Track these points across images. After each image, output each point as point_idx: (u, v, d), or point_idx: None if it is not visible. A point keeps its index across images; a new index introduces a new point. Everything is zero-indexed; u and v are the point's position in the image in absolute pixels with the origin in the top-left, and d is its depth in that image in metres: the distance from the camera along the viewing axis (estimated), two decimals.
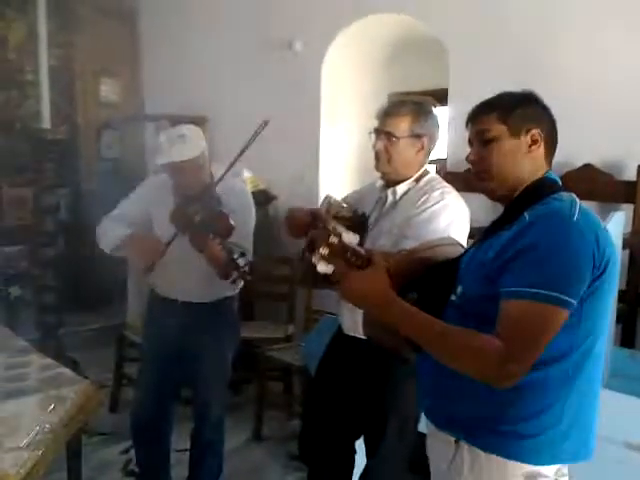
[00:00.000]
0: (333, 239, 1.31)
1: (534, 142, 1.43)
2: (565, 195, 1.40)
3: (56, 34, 4.91)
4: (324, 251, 1.31)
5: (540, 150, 1.45)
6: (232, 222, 2.38)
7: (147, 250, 2.51)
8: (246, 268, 2.27)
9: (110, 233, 2.55)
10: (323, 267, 1.33)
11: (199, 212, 2.40)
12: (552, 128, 1.48)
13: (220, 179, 2.47)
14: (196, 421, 2.68)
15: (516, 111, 1.43)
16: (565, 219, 1.31)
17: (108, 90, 5.60)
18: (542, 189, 1.42)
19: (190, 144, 2.43)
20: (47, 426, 2.09)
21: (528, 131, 1.43)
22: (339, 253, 1.33)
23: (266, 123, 2.37)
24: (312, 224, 1.99)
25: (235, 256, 2.26)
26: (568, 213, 1.32)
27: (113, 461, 3.10)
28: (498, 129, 1.43)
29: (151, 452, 2.72)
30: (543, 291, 1.26)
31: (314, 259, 1.32)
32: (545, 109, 1.49)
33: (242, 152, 2.43)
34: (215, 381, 2.64)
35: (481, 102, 1.50)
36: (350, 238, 1.34)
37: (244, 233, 2.51)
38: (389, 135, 2.08)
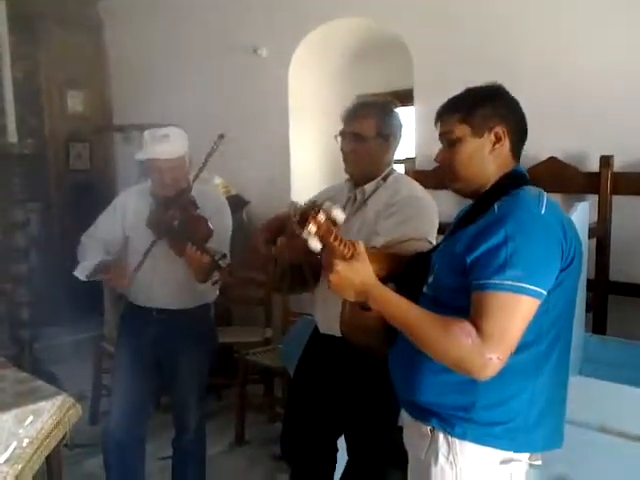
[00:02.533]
0: (321, 216, 1.33)
1: (498, 140, 1.46)
2: (532, 188, 1.44)
3: (20, 47, 4.87)
4: (312, 228, 1.32)
5: (505, 146, 1.48)
6: (211, 226, 2.39)
7: (115, 281, 2.52)
8: (227, 269, 2.29)
9: (84, 261, 2.57)
10: (314, 243, 1.34)
11: (176, 217, 2.41)
12: (520, 122, 1.51)
13: (191, 183, 2.48)
14: (176, 428, 2.68)
15: (479, 110, 1.46)
16: (533, 212, 1.35)
17: (75, 102, 5.55)
18: (510, 183, 1.46)
19: (173, 144, 2.45)
20: (26, 440, 2.08)
21: (491, 129, 1.46)
22: (325, 232, 1.34)
23: (222, 136, 2.39)
24: (279, 233, 2.02)
25: (217, 257, 2.28)
26: (535, 206, 1.36)
27: (95, 473, 3.07)
28: (461, 130, 1.47)
29: (124, 474, 2.67)
30: (515, 283, 1.29)
31: (304, 234, 1.33)
32: (511, 103, 1.51)
33: (201, 169, 2.45)
34: (193, 389, 2.64)
35: (446, 101, 1.53)
36: (339, 214, 1.35)
37: (222, 238, 2.52)
38: (357, 136, 2.10)
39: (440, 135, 1.52)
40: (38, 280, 4.42)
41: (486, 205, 1.42)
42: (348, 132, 2.13)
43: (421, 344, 1.37)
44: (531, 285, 1.30)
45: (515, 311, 1.30)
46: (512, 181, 1.46)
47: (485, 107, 1.46)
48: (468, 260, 1.36)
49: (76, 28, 5.45)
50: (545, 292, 1.32)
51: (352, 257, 1.39)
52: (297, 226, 1.36)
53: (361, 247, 1.42)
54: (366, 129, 2.10)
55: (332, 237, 1.36)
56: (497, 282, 1.30)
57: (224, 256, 2.31)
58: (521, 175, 1.50)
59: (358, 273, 1.39)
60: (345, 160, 2.17)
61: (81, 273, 2.57)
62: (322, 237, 1.35)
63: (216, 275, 2.32)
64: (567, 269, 1.37)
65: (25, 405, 2.16)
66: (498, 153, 1.47)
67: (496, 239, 1.32)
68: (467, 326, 1.30)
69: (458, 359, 1.31)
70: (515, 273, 1.29)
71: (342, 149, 2.16)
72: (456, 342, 1.30)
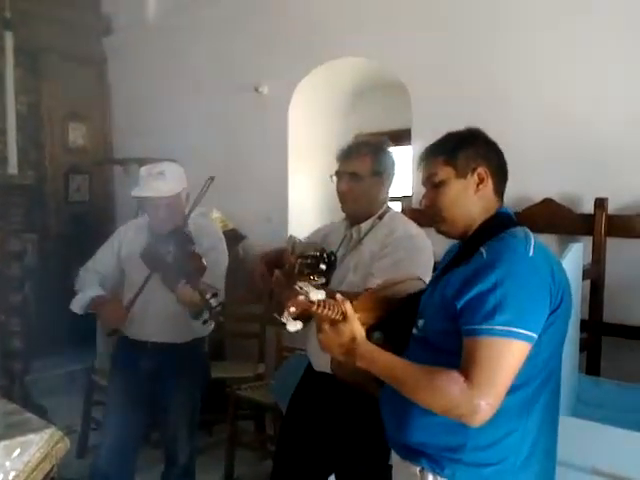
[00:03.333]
0: (302, 298, 1.35)
1: (481, 180, 1.48)
2: (519, 230, 1.45)
3: (23, 80, 4.95)
4: (293, 310, 1.34)
5: (488, 187, 1.50)
6: (204, 262, 2.39)
7: (109, 316, 2.53)
8: (218, 308, 2.28)
9: (81, 294, 2.59)
10: (292, 327, 1.37)
11: (171, 252, 2.41)
12: (500, 162, 1.53)
13: (187, 218, 2.49)
14: (166, 463, 2.65)
15: (461, 152, 1.48)
16: (521, 255, 1.36)
17: (76, 135, 5.62)
18: (497, 224, 1.47)
19: (168, 182, 2.46)
20: (12, 473, 2.05)
21: (474, 170, 1.48)
22: (306, 307, 1.36)
23: (212, 179, 2.42)
24: (276, 266, 2.04)
25: (208, 296, 2.27)
26: (523, 249, 1.37)
27: None
28: (445, 172, 1.49)
29: None
30: (506, 327, 1.30)
31: (283, 319, 1.35)
32: (490, 144, 1.54)
33: (191, 209, 2.49)
34: (183, 423, 2.62)
35: (428, 146, 1.56)
36: (317, 295, 1.36)
37: (217, 274, 2.52)
38: (353, 175, 2.12)
39: (425, 178, 1.54)
40: (31, 311, 4.40)
41: (473, 248, 1.43)
42: (344, 172, 2.15)
43: (410, 396, 1.37)
44: (521, 329, 1.30)
45: (505, 356, 1.30)
46: (498, 223, 1.47)
47: (467, 149, 1.49)
48: (458, 305, 1.36)
49: (80, 62, 5.54)
50: (536, 335, 1.32)
51: (340, 319, 1.42)
52: (279, 313, 1.38)
53: (346, 307, 1.43)
54: (361, 168, 2.12)
55: (314, 307, 1.38)
56: (487, 327, 1.30)
57: (215, 295, 2.31)
58: (507, 216, 1.51)
59: (344, 334, 1.42)
60: (341, 200, 2.19)
61: (76, 306, 2.58)
62: (304, 311, 1.37)
63: (206, 314, 2.32)
64: (556, 311, 1.37)
65: (13, 437, 2.13)
66: (482, 194, 1.49)
67: (485, 285, 1.32)
68: (454, 374, 1.30)
69: (447, 408, 1.31)
70: (505, 318, 1.30)
71: (338, 189, 2.17)
72: (443, 391, 1.30)
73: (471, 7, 3.49)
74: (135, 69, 5.41)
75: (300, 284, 1.38)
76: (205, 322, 2.33)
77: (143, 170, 2.51)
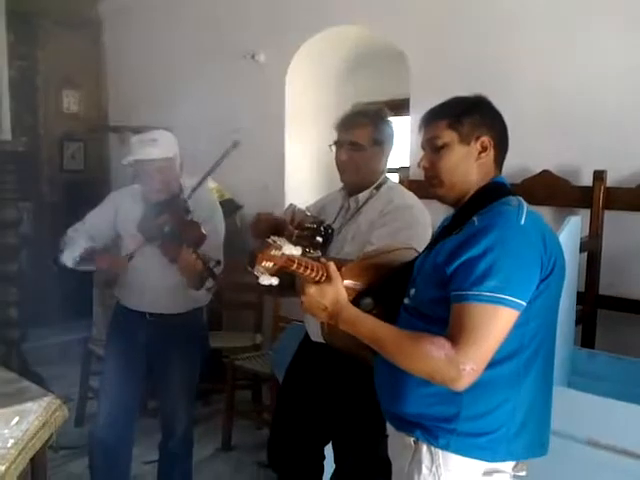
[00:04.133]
0: (276, 252, 1.33)
1: (484, 149, 1.47)
2: (512, 199, 1.44)
3: (17, 46, 4.86)
4: (267, 264, 1.32)
5: (490, 156, 1.48)
6: (204, 231, 2.38)
7: (111, 263, 2.49)
8: (221, 276, 2.27)
9: (71, 247, 2.52)
10: (266, 280, 1.34)
11: (168, 221, 2.39)
12: (503, 133, 1.51)
13: (193, 190, 2.46)
14: (163, 433, 2.66)
15: (466, 118, 1.46)
16: (512, 223, 1.36)
17: (71, 101, 5.55)
18: (490, 193, 1.46)
19: (160, 147, 2.42)
20: (11, 441, 2.06)
21: (478, 138, 1.46)
22: (284, 264, 1.34)
23: (236, 144, 2.38)
24: (276, 231, 2.01)
25: (211, 265, 2.26)
26: (515, 217, 1.36)
27: (80, 475, 3.05)
28: (449, 136, 1.47)
29: (110, 477, 2.64)
30: (494, 294, 1.30)
31: (255, 272, 1.33)
32: (496, 114, 1.52)
33: (210, 171, 2.44)
34: (182, 394, 2.62)
35: (432, 108, 1.53)
36: (291, 250, 1.34)
37: (215, 244, 2.50)
38: (354, 145, 2.10)
39: (426, 140, 1.52)
40: (28, 280, 4.40)
41: (466, 216, 1.42)
42: (344, 141, 2.12)
43: (394, 361, 1.38)
44: (509, 296, 1.30)
45: (492, 322, 1.30)
46: (492, 192, 1.46)
47: (473, 115, 1.47)
48: (448, 271, 1.36)
49: (74, 28, 5.44)
50: (524, 303, 1.32)
51: (323, 280, 1.41)
52: (249, 266, 1.36)
53: (332, 269, 1.43)
54: (362, 137, 2.10)
55: (295, 265, 1.37)
56: (475, 293, 1.30)
57: (218, 263, 2.30)
58: (501, 185, 1.50)
59: (327, 296, 1.42)
60: (341, 169, 2.17)
61: (68, 259, 2.51)
62: (283, 267, 1.35)
63: (210, 282, 2.31)
64: (547, 279, 1.37)
65: (11, 405, 2.15)
66: (483, 162, 1.48)
67: (476, 251, 1.32)
68: (439, 339, 1.31)
69: (432, 371, 1.32)
70: (493, 284, 1.30)
71: (338, 158, 2.15)
72: (428, 355, 1.30)
73: None
74: (130, 35, 5.32)
75: (274, 238, 1.36)
76: (209, 290, 2.33)
77: (135, 138, 2.49)
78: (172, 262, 2.35)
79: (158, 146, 2.42)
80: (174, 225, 2.37)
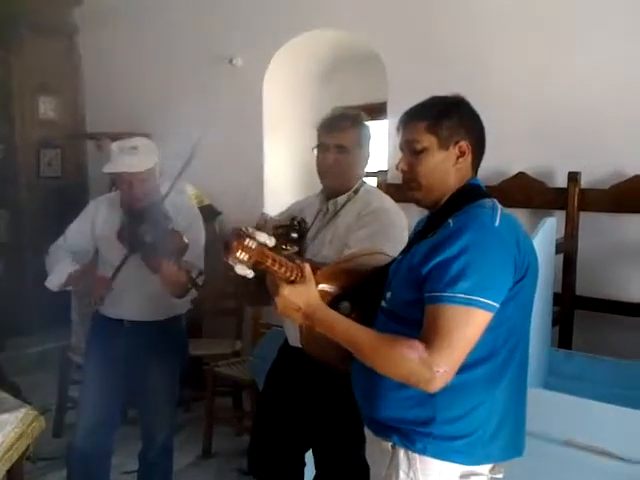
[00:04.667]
0: (250, 242, 1.31)
1: (462, 154, 1.47)
2: (487, 201, 1.44)
3: None
4: (242, 255, 1.30)
5: (467, 160, 1.48)
6: (185, 240, 2.36)
7: (95, 286, 2.47)
8: (203, 287, 2.26)
9: (55, 271, 2.52)
10: (241, 270, 1.31)
11: (149, 231, 2.36)
12: (480, 136, 1.51)
13: (166, 195, 2.45)
14: (144, 442, 2.64)
15: (446, 121, 1.45)
16: (486, 225, 1.36)
17: (47, 108, 5.49)
18: (466, 196, 1.46)
19: (141, 157, 2.40)
20: None
21: (457, 143, 1.46)
22: (260, 257, 1.33)
23: (200, 140, 2.37)
24: None
25: (194, 275, 2.24)
26: (489, 219, 1.37)
27: None
28: (428, 140, 1.46)
29: None
30: (467, 295, 1.30)
31: (230, 261, 1.31)
32: (474, 116, 1.51)
33: (181, 172, 2.43)
34: (162, 402, 2.60)
35: (412, 107, 1.52)
36: (264, 238, 1.32)
37: (196, 252, 2.48)
38: (341, 148, 2.10)
39: (404, 142, 1.51)
40: (4, 288, 4.34)
41: (442, 219, 1.42)
42: (330, 144, 2.11)
43: (369, 363, 1.38)
44: (482, 298, 1.30)
45: (465, 324, 1.31)
46: (467, 194, 1.47)
47: (452, 118, 1.46)
48: (422, 273, 1.36)
49: (50, 33, 5.40)
50: (497, 305, 1.33)
51: (297, 280, 1.39)
52: (224, 256, 1.33)
53: (307, 269, 1.41)
54: (348, 140, 2.10)
55: (269, 261, 1.35)
56: (448, 295, 1.31)
57: (201, 273, 2.28)
58: (477, 187, 1.50)
59: (301, 297, 1.40)
60: (324, 172, 2.16)
61: (52, 284, 2.52)
62: (257, 262, 1.33)
63: (193, 293, 2.29)
64: (521, 281, 1.38)
65: None
66: (460, 167, 1.48)
67: (450, 252, 1.32)
68: (413, 342, 1.31)
69: (406, 374, 1.32)
70: (466, 286, 1.30)
71: (322, 161, 2.14)
72: (402, 357, 1.30)
73: None
74: (107, 40, 5.28)
75: (247, 227, 1.34)
76: (193, 299, 2.31)
77: (115, 145, 2.46)
78: (154, 272, 2.33)
79: (139, 155, 2.40)
80: (155, 235, 2.35)
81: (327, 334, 1.42)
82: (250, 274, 1.33)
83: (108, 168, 2.43)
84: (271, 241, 1.35)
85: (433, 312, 1.32)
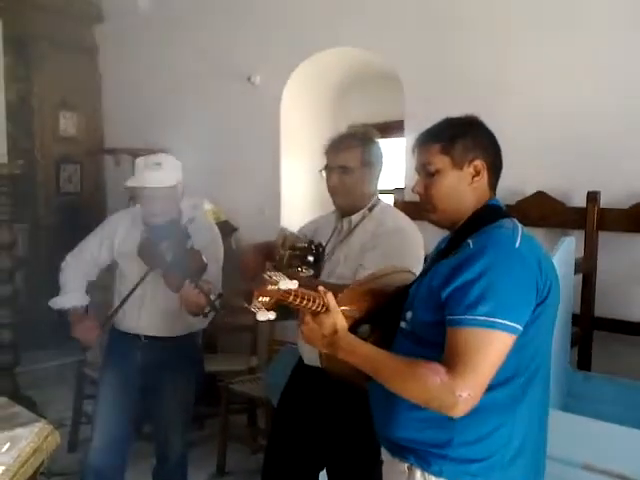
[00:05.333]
0: (272, 287, 1.30)
1: (477, 173, 1.46)
2: (507, 222, 1.43)
3: (14, 68, 4.89)
4: (264, 299, 1.31)
5: (483, 179, 1.47)
6: (204, 259, 2.37)
7: (83, 334, 2.52)
8: (222, 310, 2.28)
9: (63, 294, 2.59)
10: (262, 316, 1.32)
11: (170, 249, 2.37)
12: (496, 155, 1.50)
13: (181, 213, 2.48)
14: (158, 459, 2.63)
15: (459, 142, 1.45)
16: (507, 246, 1.35)
17: (67, 124, 5.57)
18: (485, 216, 1.45)
19: (165, 173, 2.42)
20: (1, 467, 2.03)
21: (471, 162, 1.45)
22: (280, 297, 1.33)
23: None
24: (267, 258, 2.02)
25: (213, 297, 2.25)
26: (510, 240, 1.36)
27: None
28: (441, 161, 1.46)
29: None
30: (489, 318, 1.28)
31: (252, 308, 1.31)
32: (488, 136, 1.51)
33: None
34: (177, 419, 2.60)
35: (425, 131, 1.52)
36: (288, 285, 1.32)
37: (214, 270, 2.49)
38: (343, 169, 2.11)
39: (419, 165, 1.51)
40: (22, 302, 4.37)
41: (461, 239, 1.41)
42: (334, 165, 2.13)
43: (392, 388, 1.37)
44: (505, 320, 1.29)
45: (488, 347, 1.29)
46: (488, 214, 1.46)
47: (465, 138, 1.46)
48: (443, 295, 1.35)
49: (71, 50, 5.49)
50: (520, 327, 1.31)
51: (321, 310, 1.40)
52: (245, 303, 1.33)
53: (328, 299, 1.41)
54: (351, 161, 2.11)
55: (291, 298, 1.35)
56: (470, 317, 1.29)
57: (220, 296, 2.28)
58: (497, 207, 1.49)
59: (325, 326, 1.41)
60: (332, 193, 2.17)
61: (55, 304, 2.59)
62: (279, 301, 1.33)
63: (211, 315, 2.30)
64: (543, 303, 1.36)
65: (2, 431, 2.12)
66: (476, 186, 1.47)
67: (470, 274, 1.31)
68: (435, 366, 1.29)
69: (428, 398, 1.31)
70: (488, 308, 1.28)
71: (328, 183, 2.16)
72: (424, 382, 1.29)
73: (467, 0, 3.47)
74: (127, 58, 5.36)
75: (270, 273, 1.33)
76: (206, 316, 2.32)
77: (139, 161, 2.48)
78: (175, 292, 2.33)
79: (162, 171, 2.41)
80: (176, 253, 2.36)
81: (348, 360, 1.42)
82: (272, 317, 1.34)
83: (131, 182, 2.45)
84: (294, 285, 1.35)
85: (455, 335, 1.31)
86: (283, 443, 2.27)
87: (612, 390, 2.52)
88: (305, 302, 1.38)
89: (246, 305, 1.33)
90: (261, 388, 3.44)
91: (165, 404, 2.57)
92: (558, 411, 2.20)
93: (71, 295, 2.58)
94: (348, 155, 2.11)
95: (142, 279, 2.43)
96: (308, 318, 1.42)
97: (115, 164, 5.03)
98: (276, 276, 1.33)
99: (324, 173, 2.17)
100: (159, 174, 2.40)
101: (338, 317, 1.42)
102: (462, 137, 1.46)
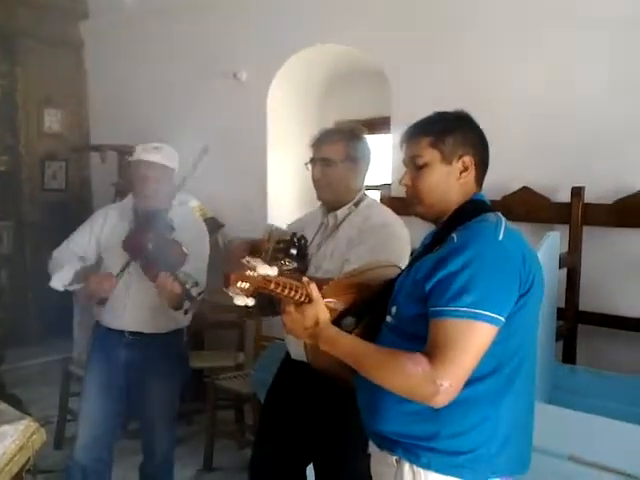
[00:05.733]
0: (251, 273, 1.30)
1: (465, 169, 1.47)
2: (491, 216, 1.44)
3: None
4: (242, 285, 1.30)
5: (471, 175, 1.49)
6: (185, 250, 2.38)
7: (99, 283, 2.46)
8: (199, 297, 2.27)
9: (61, 270, 2.51)
10: (240, 300, 1.32)
11: (152, 240, 2.38)
12: (484, 151, 1.51)
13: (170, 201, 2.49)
14: (144, 454, 2.64)
15: (449, 136, 1.46)
16: (490, 239, 1.36)
17: (52, 120, 5.53)
18: (470, 211, 1.46)
19: (163, 155, 2.48)
20: None
21: (460, 157, 1.46)
22: (261, 285, 1.33)
23: (206, 150, 2.41)
24: (252, 254, 2.02)
25: (188, 286, 2.25)
26: (493, 233, 1.37)
27: None
28: (430, 155, 1.46)
29: None
30: (471, 309, 1.29)
31: (230, 292, 1.31)
32: (478, 132, 1.52)
33: (183, 182, 2.48)
34: (163, 416, 2.60)
35: (414, 123, 1.52)
36: (266, 270, 1.32)
37: (199, 265, 2.50)
38: (326, 161, 2.12)
39: (407, 158, 1.51)
40: (6, 300, 4.34)
41: (446, 233, 1.42)
42: (317, 158, 2.14)
43: (373, 378, 1.38)
44: (487, 311, 1.30)
45: (470, 337, 1.30)
46: (472, 208, 1.47)
47: (455, 134, 1.46)
48: (427, 288, 1.36)
49: (56, 46, 5.45)
50: (502, 318, 1.32)
51: (304, 300, 1.40)
52: (223, 286, 1.33)
53: (311, 289, 1.42)
54: (334, 153, 2.12)
55: (272, 286, 1.35)
56: (452, 309, 1.30)
57: (196, 284, 2.29)
58: (481, 202, 1.50)
59: (308, 316, 1.42)
60: (316, 186, 2.18)
61: (58, 283, 2.51)
62: (260, 288, 1.33)
63: (187, 304, 2.30)
64: (526, 295, 1.37)
65: None
66: (464, 182, 1.48)
67: (453, 267, 1.32)
68: (416, 356, 1.30)
69: (410, 388, 1.31)
70: (471, 299, 1.29)
71: (312, 176, 2.17)
72: (405, 372, 1.30)
73: None
74: (112, 54, 5.32)
75: (248, 258, 1.34)
76: (186, 312, 2.32)
77: (138, 147, 2.53)
78: (152, 281, 2.35)
79: (160, 154, 2.48)
80: (157, 243, 2.37)
81: (330, 352, 1.43)
82: (250, 302, 1.34)
83: (132, 157, 2.51)
84: (273, 271, 1.34)
85: (437, 326, 1.32)
86: (270, 438, 2.27)
87: (597, 383, 2.54)
88: (287, 291, 1.38)
89: (224, 289, 1.33)
90: (248, 384, 3.45)
91: (150, 401, 2.58)
92: (544, 404, 2.22)
93: (69, 266, 2.52)
94: (331, 148, 2.12)
95: (123, 269, 2.43)
96: (290, 308, 1.43)
97: (101, 161, 5.00)
98: (254, 261, 1.32)
99: (309, 166, 2.17)
100: (159, 155, 2.47)
101: (320, 308, 1.43)
102: (452, 132, 1.46)
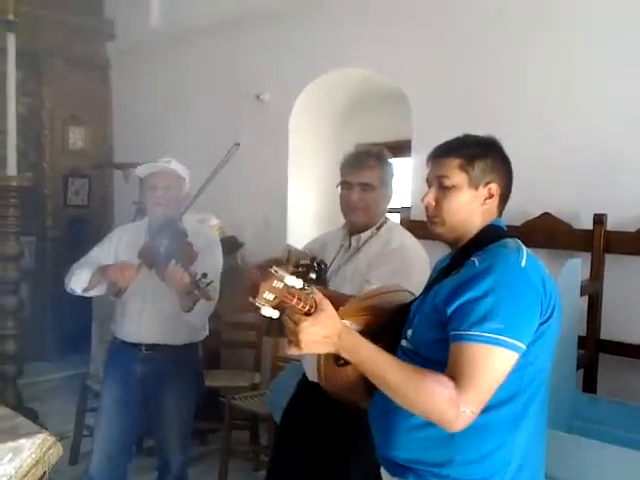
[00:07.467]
0: (277, 284, 1.28)
1: (490, 196, 1.47)
2: (511, 241, 1.44)
3: (25, 82, 4.96)
4: (268, 296, 1.28)
5: (494, 203, 1.49)
6: (196, 249, 2.42)
7: (119, 272, 2.44)
8: (209, 288, 2.28)
9: (80, 274, 2.54)
10: (268, 311, 1.30)
11: (164, 244, 2.41)
12: (509, 181, 1.51)
13: (188, 206, 2.52)
14: (159, 471, 2.64)
15: (479, 161, 1.45)
16: (513, 265, 1.35)
17: (76, 138, 5.63)
18: (490, 235, 1.46)
19: (173, 164, 2.56)
20: (4, 478, 2.03)
21: (487, 184, 1.46)
22: (284, 297, 1.30)
23: (237, 146, 2.51)
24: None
25: (197, 277, 2.28)
26: (516, 259, 1.36)
27: None
28: (458, 178, 1.45)
29: None
30: (493, 335, 1.28)
31: (257, 303, 1.30)
32: (506, 160, 1.52)
33: (213, 176, 2.52)
34: (178, 433, 2.60)
35: (445, 143, 1.51)
36: (293, 281, 1.30)
37: (212, 274, 2.50)
38: (366, 186, 2.13)
39: (434, 177, 1.50)
40: (27, 314, 4.38)
41: (465, 257, 1.42)
42: (355, 182, 2.14)
43: (394, 392, 1.32)
44: (509, 338, 1.29)
45: (492, 364, 1.29)
46: (491, 234, 1.46)
47: (485, 160, 1.46)
48: (447, 312, 1.35)
49: (82, 66, 5.56)
50: (524, 346, 1.31)
51: (312, 310, 1.32)
52: (250, 296, 1.30)
53: (321, 299, 1.34)
54: (373, 179, 2.13)
55: (295, 301, 1.29)
56: (476, 334, 1.29)
57: (204, 275, 2.30)
58: (499, 228, 1.50)
59: (327, 325, 1.31)
60: (350, 210, 2.17)
61: (77, 285, 2.53)
62: (282, 303, 1.29)
63: (197, 293, 2.31)
64: (546, 322, 1.36)
65: (4, 442, 2.11)
66: (487, 208, 1.48)
67: (476, 292, 1.31)
68: (443, 378, 1.29)
69: (431, 408, 1.28)
70: (494, 326, 1.28)
71: (347, 199, 2.16)
72: (431, 391, 1.27)
73: (474, 18, 3.50)
74: (138, 74, 5.42)
75: (275, 268, 1.31)
76: (194, 303, 2.33)
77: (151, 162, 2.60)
78: (162, 279, 2.37)
79: (169, 163, 2.55)
80: (168, 245, 2.40)
81: (352, 359, 1.35)
82: (275, 315, 1.31)
83: (143, 171, 2.55)
84: (298, 283, 1.33)
85: (459, 350, 1.31)
86: (285, 460, 2.26)
87: (618, 413, 2.50)
88: (302, 303, 1.32)
89: (251, 299, 1.31)
90: (264, 405, 3.43)
91: (165, 416, 2.58)
92: (564, 433, 2.19)
93: (87, 269, 2.53)
94: (370, 173, 2.13)
95: (137, 270, 2.43)
96: (302, 321, 1.31)
97: (124, 179, 5.06)
98: (281, 271, 1.31)
99: (340, 188, 2.18)
100: (165, 165, 2.55)
101: (332, 313, 1.34)
102: (482, 158, 1.46)
